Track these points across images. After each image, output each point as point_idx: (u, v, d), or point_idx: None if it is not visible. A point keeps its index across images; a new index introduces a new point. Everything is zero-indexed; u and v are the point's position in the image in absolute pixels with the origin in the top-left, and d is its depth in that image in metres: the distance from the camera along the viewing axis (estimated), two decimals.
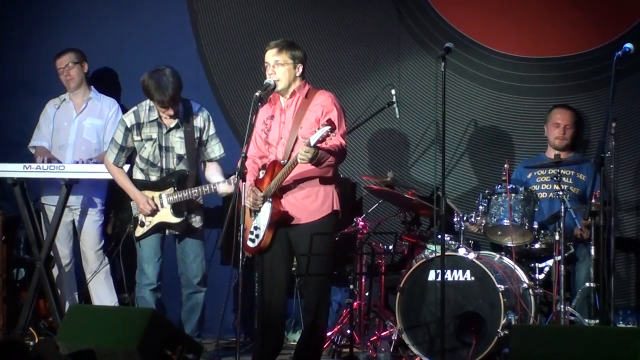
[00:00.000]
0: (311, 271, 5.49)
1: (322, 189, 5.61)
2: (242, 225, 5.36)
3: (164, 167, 6.36)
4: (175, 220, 6.31)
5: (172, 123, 6.33)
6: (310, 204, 5.59)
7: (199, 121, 6.34)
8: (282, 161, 5.58)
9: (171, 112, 6.24)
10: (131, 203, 6.40)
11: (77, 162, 6.75)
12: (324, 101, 5.62)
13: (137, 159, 6.42)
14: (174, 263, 6.53)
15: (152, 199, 6.31)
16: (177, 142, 6.34)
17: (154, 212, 6.30)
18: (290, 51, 5.63)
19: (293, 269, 5.84)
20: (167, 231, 6.40)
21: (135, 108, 6.39)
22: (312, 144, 5.28)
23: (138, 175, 6.40)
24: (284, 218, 5.58)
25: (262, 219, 5.61)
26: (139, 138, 6.35)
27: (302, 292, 5.71)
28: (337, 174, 5.77)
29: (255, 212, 5.64)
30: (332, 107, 5.58)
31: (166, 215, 6.32)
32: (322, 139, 5.28)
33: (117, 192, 6.64)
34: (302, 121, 5.59)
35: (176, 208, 6.30)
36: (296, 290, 6.78)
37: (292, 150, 5.56)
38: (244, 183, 5.47)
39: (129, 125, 6.35)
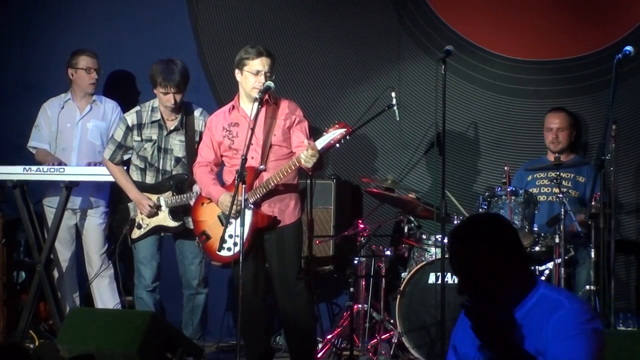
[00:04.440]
0: (289, 276, 5.54)
1: (292, 195, 5.69)
2: (242, 228, 5.34)
3: (160, 167, 6.36)
4: (172, 224, 6.31)
5: (173, 125, 6.33)
6: (285, 207, 5.64)
7: (200, 125, 6.34)
8: (259, 167, 5.59)
9: (172, 101, 6.21)
10: (129, 204, 6.41)
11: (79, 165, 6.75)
12: (293, 110, 5.70)
13: (135, 158, 6.41)
14: (175, 263, 6.54)
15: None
16: (177, 144, 6.34)
17: (154, 214, 6.30)
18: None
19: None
20: (162, 233, 6.41)
21: (138, 108, 6.41)
22: (319, 147, 5.32)
23: (134, 175, 6.40)
24: (268, 223, 5.60)
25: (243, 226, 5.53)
26: (139, 138, 6.35)
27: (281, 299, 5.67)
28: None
29: (226, 219, 5.56)
30: (303, 117, 5.71)
31: (164, 218, 6.32)
32: (334, 142, 5.31)
33: (116, 193, 6.64)
34: (275, 129, 5.63)
35: (174, 212, 6.30)
36: None
37: (267, 157, 5.59)
38: (243, 185, 5.45)
39: (130, 124, 6.35)
